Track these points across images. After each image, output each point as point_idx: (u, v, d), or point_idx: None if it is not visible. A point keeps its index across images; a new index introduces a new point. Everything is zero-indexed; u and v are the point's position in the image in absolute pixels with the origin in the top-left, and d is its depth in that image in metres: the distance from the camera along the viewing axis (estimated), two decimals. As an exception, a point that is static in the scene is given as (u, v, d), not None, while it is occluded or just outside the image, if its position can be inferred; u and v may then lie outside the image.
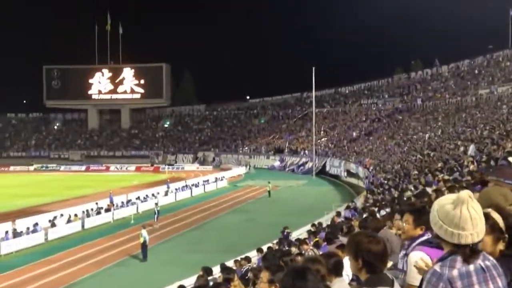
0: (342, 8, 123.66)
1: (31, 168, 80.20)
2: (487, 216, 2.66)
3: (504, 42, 68.24)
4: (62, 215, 34.00)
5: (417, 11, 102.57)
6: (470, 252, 2.31)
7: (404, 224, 4.39)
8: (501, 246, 2.67)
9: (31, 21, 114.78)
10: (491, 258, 2.37)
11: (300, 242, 13.61)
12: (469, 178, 12.00)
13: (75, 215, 34.30)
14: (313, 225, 21.33)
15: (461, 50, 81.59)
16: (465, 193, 2.39)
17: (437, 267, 2.34)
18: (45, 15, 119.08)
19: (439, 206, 2.42)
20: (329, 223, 21.25)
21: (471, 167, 15.71)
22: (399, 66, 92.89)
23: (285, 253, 11.02)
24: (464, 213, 2.32)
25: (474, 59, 70.75)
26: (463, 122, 44.56)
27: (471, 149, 22.42)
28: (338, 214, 22.00)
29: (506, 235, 2.68)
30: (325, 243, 10.17)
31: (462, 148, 26.18)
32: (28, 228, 30.05)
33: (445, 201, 2.42)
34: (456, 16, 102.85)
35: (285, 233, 21.32)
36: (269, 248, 16.41)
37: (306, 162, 68.87)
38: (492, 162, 14.62)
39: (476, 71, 67.24)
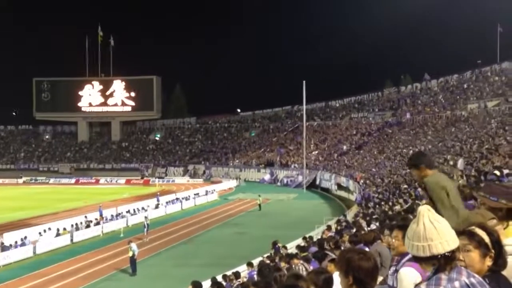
0: (333, 23, 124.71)
1: (20, 181, 79.69)
2: (472, 233, 2.74)
3: (493, 57, 69.06)
4: (50, 228, 33.73)
5: (406, 26, 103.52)
6: (444, 260, 2.36)
7: (394, 240, 4.42)
8: (488, 262, 2.70)
9: (21, 33, 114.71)
10: (476, 275, 2.40)
11: (290, 256, 13.58)
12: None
13: (64, 228, 34.05)
14: (304, 238, 21.29)
15: (449, 65, 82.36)
16: (424, 207, 2.50)
17: (423, 287, 2.38)
18: (35, 26, 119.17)
19: (407, 230, 2.51)
20: (319, 236, 21.22)
21: (461, 181, 15.80)
22: (389, 79, 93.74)
23: (276, 269, 10.98)
24: (427, 225, 2.40)
25: (463, 73, 71.38)
26: (452, 136, 44.83)
27: (460, 163, 22.56)
28: (329, 228, 21.98)
29: (493, 251, 2.72)
30: (313, 259, 10.17)
31: (451, 162, 26.33)
32: (16, 242, 29.79)
33: (411, 223, 2.52)
34: (445, 31, 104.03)
35: (277, 246, 21.24)
36: (262, 262, 16.35)
37: (297, 175, 68.89)
38: (481, 177, 14.72)
39: (465, 86, 67.80)
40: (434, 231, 2.37)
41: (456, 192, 4.88)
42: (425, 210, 2.44)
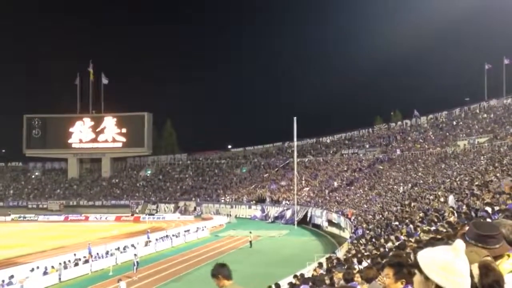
0: (324, 60, 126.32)
1: (8, 218, 78.67)
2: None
3: (480, 94, 70.13)
4: (38, 267, 33.21)
5: (396, 64, 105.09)
6: None
7: (385, 279, 4.37)
8: None
9: (12, 70, 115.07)
10: None
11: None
12: (449, 230, 12.05)
13: (52, 266, 33.54)
14: (295, 276, 21.09)
15: (438, 102, 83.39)
16: (461, 242, 2.38)
17: None
18: (26, 63, 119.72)
19: (433, 257, 2.35)
20: (311, 274, 21.03)
21: (451, 218, 15.79)
22: (379, 116, 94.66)
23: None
24: (464, 261, 2.31)
25: (451, 110, 72.18)
26: (442, 173, 44.99)
27: (451, 199, 22.57)
28: (320, 265, 21.82)
29: None
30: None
31: (442, 199, 26.34)
32: (3, 281, 29.26)
33: (439, 251, 2.37)
34: (433, 69, 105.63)
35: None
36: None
37: (287, 211, 68.57)
38: (472, 213, 14.71)
39: (454, 123, 68.45)
40: (467, 269, 2.31)
41: None
42: (463, 246, 2.32)
